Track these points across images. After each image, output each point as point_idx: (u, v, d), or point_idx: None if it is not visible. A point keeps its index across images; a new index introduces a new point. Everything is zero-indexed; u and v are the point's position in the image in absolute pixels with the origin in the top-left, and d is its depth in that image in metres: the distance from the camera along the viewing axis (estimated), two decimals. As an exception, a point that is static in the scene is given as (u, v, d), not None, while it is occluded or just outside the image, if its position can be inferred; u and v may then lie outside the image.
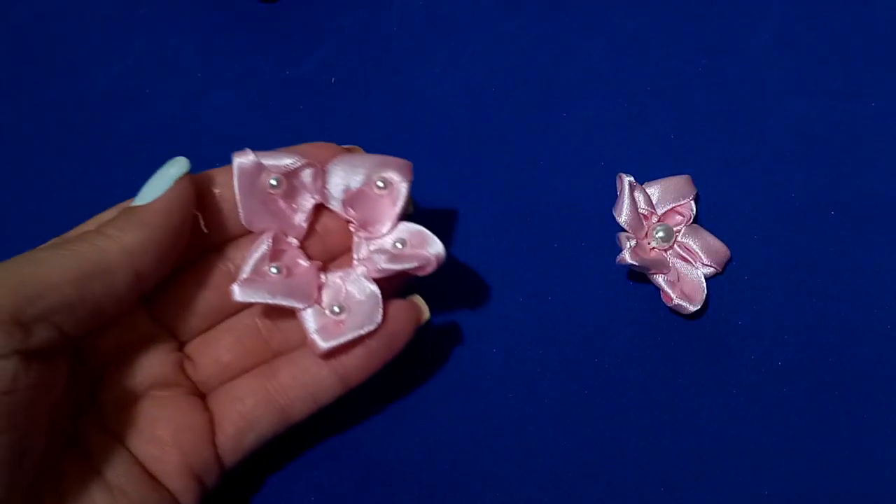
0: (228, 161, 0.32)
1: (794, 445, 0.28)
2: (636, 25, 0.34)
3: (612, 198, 0.29)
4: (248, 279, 0.25)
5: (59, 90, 0.34)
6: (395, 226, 0.26)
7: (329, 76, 0.33)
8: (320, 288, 0.26)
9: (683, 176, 0.30)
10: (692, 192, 0.30)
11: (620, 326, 0.29)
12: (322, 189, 0.26)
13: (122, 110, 0.33)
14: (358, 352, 0.25)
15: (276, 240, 0.25)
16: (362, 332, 0.25)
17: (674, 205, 0.30)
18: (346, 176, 0.25)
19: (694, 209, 0.30)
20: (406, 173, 0.26)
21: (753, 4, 0.34)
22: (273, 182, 0.25)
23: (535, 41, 0.34)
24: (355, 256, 0.26)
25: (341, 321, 0.25)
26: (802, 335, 0.29)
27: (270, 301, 0.24)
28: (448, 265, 0.30)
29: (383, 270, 0.25)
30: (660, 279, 0.29)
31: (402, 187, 0.25)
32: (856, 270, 0.30)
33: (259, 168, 0.25)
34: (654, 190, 0.30)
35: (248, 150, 0.25)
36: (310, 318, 0.25)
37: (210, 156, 0.32)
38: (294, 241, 0.26)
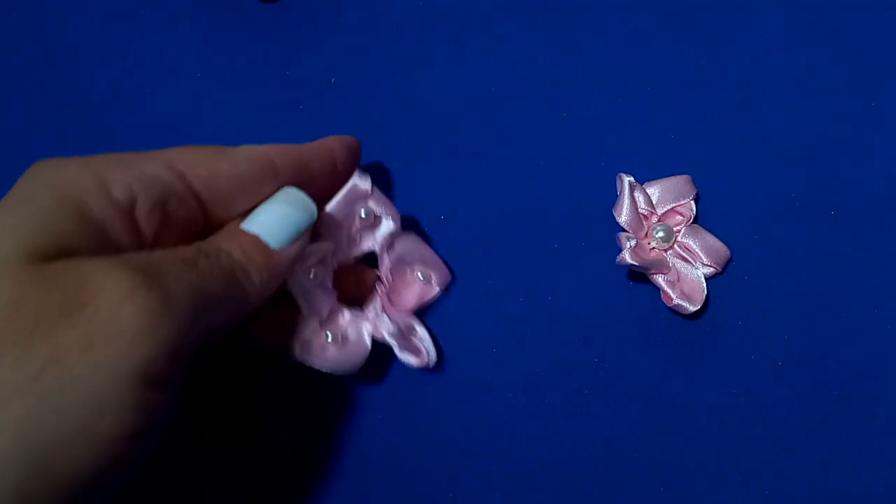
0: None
1: (794, 445, 0.28)
2: (636, 25, 0.34)
3: (612, 198, 0.29)
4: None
5: (60, 90, 0.34)
6: (411, 312, 0.29)
7: (329, 76, 0.33)
8: (331, 312, 0.28)
9: (683, 176, 0.30)
10: (692, 192, 0.30)
11: (620, 326, 0.29)
12: (383, 246, 0.28)
13: (122, 110, 0.33)
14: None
15: (327, 253, 0.27)
16: (334, 369, 0.27)
17: (674, 205, 0.30)
18: (404, 250, 0.28)
19: (694, 209, 0.30)
20: (444, 283, 0.29)
21: (753, 4, 0.34)
22: (363, 215, 0.27)
23: (535, 41, 0.34)
24: (370, 310, 0.28)
25: (326, 347, 0.27)
26: (802, 335, 0.29)
27: (297, 290, 0.26)
28: (448, 265, 0.30)
29: (381, 337, 0.28)
30: (660, 279, 0.29)
31: (435, 291, 0.29)
32: (856, 270, 0.30)
33: (364, 196, 0.27)
34: (654, 190, 0.30)
35: (368, 176, 0.27)
36: (307, 327, 0.27)
37: (210, 156, 0.32)
38: (334, 264, 0.28)
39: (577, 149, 0.32)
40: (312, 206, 0.25)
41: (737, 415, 0.28)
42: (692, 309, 0.28)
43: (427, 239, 0.30)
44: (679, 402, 0.28)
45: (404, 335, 0.28)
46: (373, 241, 0.28)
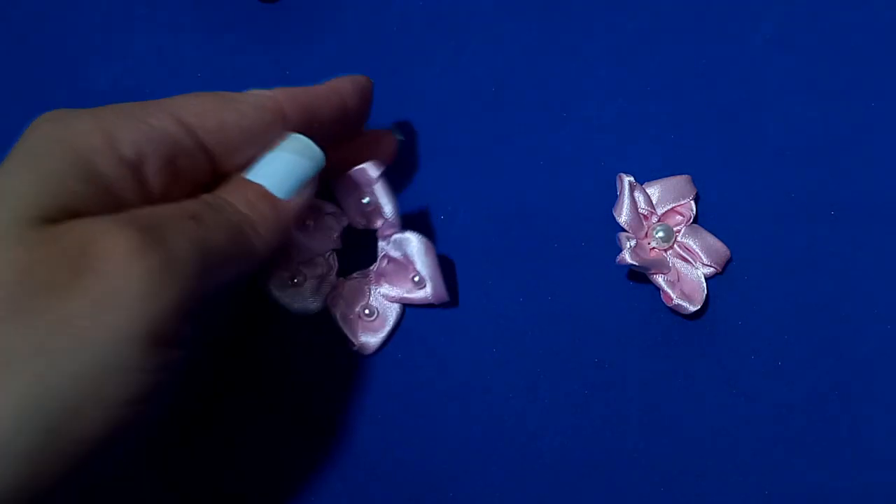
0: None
1: (794, 445, 0.28)
2: (636, 25, 0.34)
3: (612, 198, 0.29)
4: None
5: (60, 90, 0.34)
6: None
7: (329, 76, 0.33)
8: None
9: (683, 176, 0.30)
10: (692, 192, 0.30)
11: (620, 326, 0.29)
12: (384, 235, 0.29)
13: (122, 110, 0.33)
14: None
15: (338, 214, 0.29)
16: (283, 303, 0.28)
17: (674, 205, 0.30)
18: (413, 250, 0.28)
19: (694, 209, 0.30)
20: (436, 299, 0.29)
21: (753, 4, 0.34)
22: (365, 201, 0.28)
23: (535, 41, 0.34)
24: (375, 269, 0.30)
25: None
26: (802, 335, 0.29)
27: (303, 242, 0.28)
28: (448, 265, 0.30)
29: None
30: (660, 279, 0.29)
31: (422, 297, 0.29)
32: (856, 270, 0.30)
33: (368, 181, 0.28)
34: (654, 190, 0.30)
35: (376, 166, 0.27)
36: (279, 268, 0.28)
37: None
38: (344, 223, 0.29)
39: (577, 149, 0.32)
40: (320, 154, 0.25)
41: (737, 415, 0.28)
42: (692, 309, 0.28)
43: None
44: (679, 402, 0.28)
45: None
46: (379, 224, 0.29)
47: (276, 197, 0.24)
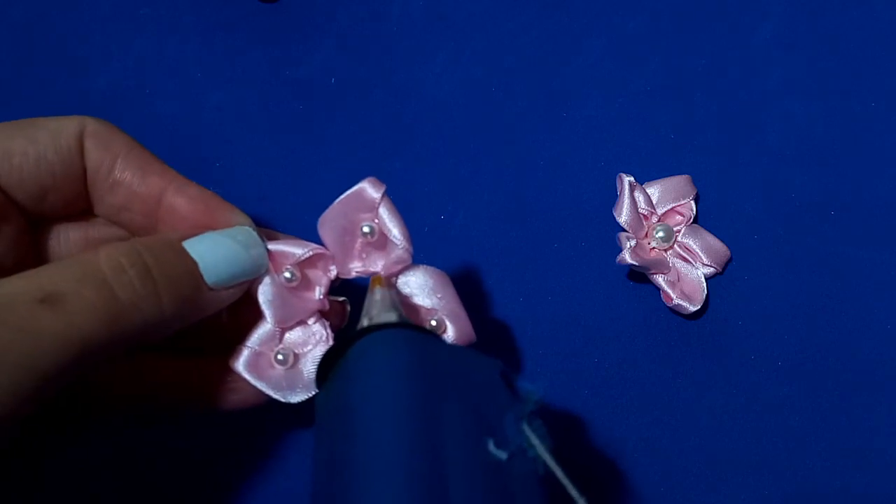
0: (229, 160, 0.32)
1: (794, 445, 0.28)
2: (636, 25, 0.34)
3: (612, 198, 0.29)
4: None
5: (60, 90, 0.34)
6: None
7: (329, 76, 0.33)
8: (300, 322, 0.24)
9: (683, 176, 0.30)
10: (692, 192, 0.30)
11: (620, 326, 0.29)
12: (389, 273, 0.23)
13: (122, 110, 0.33)
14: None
15: (319, 257, 0.24)
16: (273, 395, 0.23)
17: (674, 205, 0.30)
18: (423, 292, 0.24)
19: (694, 209, 0.30)
20: (463, 340, 0.24)
21: (753, 4, 0.34)
22: (366, 230, 0.23)
23: (535, 41, 0.34)
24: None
25: (273, 366, 0.24)
26: (802, 335, 0.29)
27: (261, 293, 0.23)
28: (448, 265, 0.30)
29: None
30: (660, 279, 0.29)
31: (449, 338, 0.24)
32: (855, 270, 0.30)
33: (371, 207, 0.23)
34: (654, 190, 0.30)
35: (383, 186, 0.23)
36: (258, 335, 0.24)
37: (210, 156, 0.32)
38: (332, 274, 0.24)
39: (577, 149, 0.32)
40: (265, 260, 0.23)
41: (737, 415, 0.28)
42: (692, 309, 0.28)
43: (427, 240, 0.30)
44: (679, 402, 0.28)
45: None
46: (381, 265, 0.23)
47: (202, 278, 0.21)
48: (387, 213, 0.23)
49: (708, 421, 0.28)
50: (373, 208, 0.23)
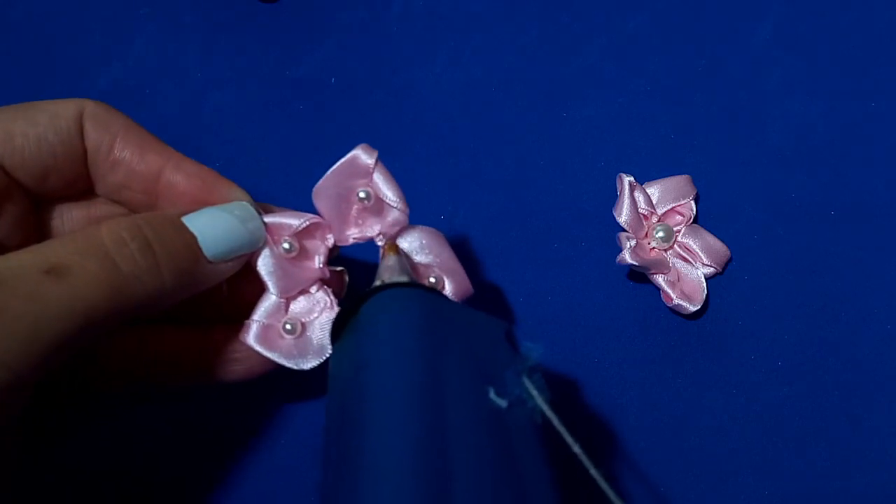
0: (229, 160, 0.32)
1: (794, 445, 0.28)
2: (636, 25, 0.34)
3: (612, 198, 0.29)
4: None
5: (60, 90, 0.34)
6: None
7: (329, 76, 0.33)
8: (303, 292, 0.24)
9: (683, 176, 0.30)
10: (692, 192, 0.30)
11: (620, 326, 0.29)
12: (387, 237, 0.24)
13: (122, 110, 0.33)
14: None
15: (316, 226, 0.24)
16: (287, 364, 0.24)
17: (674, 205, 0.30)
18: (420, 251, 0.24)
19: (694, 209, 0.30)
20: (461, 295, 0.25)
21: (753, 4, 0.34)
22: (362, 196, 0.24)
23: (535, 41, 0.34)
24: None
25: (282, 336, 0.24)
26: (802, 335, 0.29)
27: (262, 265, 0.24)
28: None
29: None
30: (660, 279, 0.29)
31: (448, 293, 0.25)
32: (856, 270, 0.30)
33: (365, 173, 0.24)
34: (654, 190, 0.30)
35: (375, 151, 0.24)
36: (264, 308, 0.24)
37: (210, 156, 0.32)
38: (329, 242, 0.25)
39: (577, 149, 0.32)
40: (262, 233, 0.23)
41: (737, 415, 0.28)
42: (692, 309, 0.28)
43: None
44: (679, 401, 0.28)
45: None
46: (378, 229, 0.24)
47: (201, 251, 0.22)
48: (381, 177, 0.24)
49: (708, 421, 0.28)
50: (367, 174, 0.24)
